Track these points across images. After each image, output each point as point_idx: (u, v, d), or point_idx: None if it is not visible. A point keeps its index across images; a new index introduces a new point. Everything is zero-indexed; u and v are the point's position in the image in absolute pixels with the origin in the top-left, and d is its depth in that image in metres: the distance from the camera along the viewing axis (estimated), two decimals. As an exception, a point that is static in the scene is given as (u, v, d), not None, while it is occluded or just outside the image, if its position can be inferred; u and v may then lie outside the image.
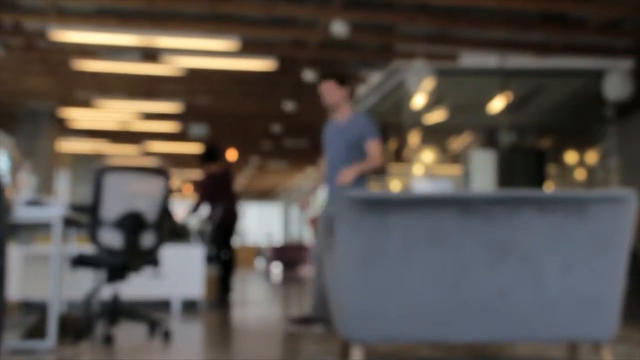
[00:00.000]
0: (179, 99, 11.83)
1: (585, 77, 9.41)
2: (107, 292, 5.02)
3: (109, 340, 4.19)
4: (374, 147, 4.92)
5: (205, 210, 7.81)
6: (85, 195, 16.09)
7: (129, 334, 4.78)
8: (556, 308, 2.82)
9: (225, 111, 12.87)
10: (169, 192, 4.60)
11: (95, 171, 4.33)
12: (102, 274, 4.52)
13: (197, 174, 22.42)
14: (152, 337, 4.59)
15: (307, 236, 23.17)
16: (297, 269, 19.23)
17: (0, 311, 2.07)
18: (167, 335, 4.47)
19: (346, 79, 5.08)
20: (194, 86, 11.06)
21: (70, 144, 15.62)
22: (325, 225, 4.88)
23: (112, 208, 4.32)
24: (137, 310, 4.82)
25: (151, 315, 4.71)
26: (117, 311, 4.51)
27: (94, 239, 4.32)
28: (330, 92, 5.04)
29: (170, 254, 6.65)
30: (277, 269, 19.30)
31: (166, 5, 7.45)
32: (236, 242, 7.94)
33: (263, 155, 18.37)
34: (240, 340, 4.55)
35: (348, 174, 4.80)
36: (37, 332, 4.15)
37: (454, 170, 11.91)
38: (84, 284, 6.01)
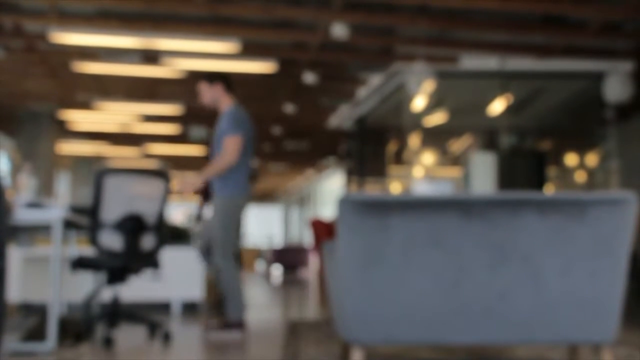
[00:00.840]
0: (179, 101, 11.84)
1: (585, 79, 9.42)
2: (106, 294, 5.01)
3: (108, 342, 4.19)
4: (227, 143, 4.77)
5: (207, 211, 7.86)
6: (85, 197, 16.10)
7: (128, 336, 4.78)
8: (556, 310, 2.82)
9: (225, 113, 12.87)
10: (168, 194, 4.61)
11: (95, 173, 4.35)
12: (102, 276, 4.52)
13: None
14: (152, 339, 4.59)
15: (307, 238, 23.17)
16: (297, 271, 19.23)
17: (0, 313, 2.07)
18: (167, 337, 4.47)
19: (215, 76, 5.03)
20: (193, 88, 11.06)
21: (71, 145, 15.63)
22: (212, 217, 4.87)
23: (113, 210, 4.33)
24: (136, 312, 4.82)
25: (151, 317, 4.71)
26: (117, 313, 4.51)
27: (94, 240, 4.32)
28: (202, 92, 5.05)
29: (170, 256, 6.65)
30: (277, 271, 19.30)
31: (166, 8, 7.46)
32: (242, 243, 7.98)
33: (263, 157, 18.38)
34: (240, 343, 4.54)
35: (188, 183, 4.74)
36: (36, 334, 4.14)
37: (454, 172, 11.91)
38: (83, 286, 6.01)
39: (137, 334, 4.88)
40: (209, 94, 5.01)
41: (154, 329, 4.58)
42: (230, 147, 4.74)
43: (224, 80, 5.03)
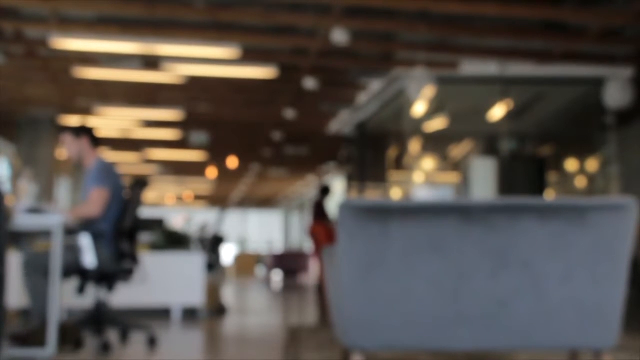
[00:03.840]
0: (179, 107, 11.84)
1: (585, 85, 9.41)
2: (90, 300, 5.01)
3: (106, 347, 4.20)
4: (91, 195, 4.62)
5: None
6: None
7: (129, 342, 4.77)
8: (556, 316, 2.82)
9: (225, 119, 12.89)
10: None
11: (134, 182, 4.68)
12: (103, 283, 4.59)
13: (197, 182, 22.45)
14: (123, 343, 4.65)
15: (308, 244, 23.17)
16: (297, 277, 19.21)
17: (-1, 319, 2.07)
18: (152, 342, 4.50)
19: (82, 129, 4.84)
20: (194, 94, 11.07)
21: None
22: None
23: (129, 217, 4.69)
24: (120, 317, 4.86)
25: (129, 321, 4.78)
26: (102, 319, 4.56)
27: (117, 248, 4.56)
28: (67, 145, 4.83)
29: (170, 261, 6.64)
30: (277, 276, 19.28)
31: (167, 13, 7.47)
32: None
33: (263, 163, 18.38)
34: (240, 348, 4.54)
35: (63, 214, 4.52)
36: (36, 339, 4.14)
37: (454, 177, 11.90)
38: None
39: (135, 340, 4.87)
40: (74, 148, 4.81)
41: (125, 333, 4.70)
42: (93, 199, 4.59)
43: (90, 135, 4.86)
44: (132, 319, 5.24)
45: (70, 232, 4.48)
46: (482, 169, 10.11)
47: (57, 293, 4.09)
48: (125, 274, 4.60)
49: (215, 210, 26.15)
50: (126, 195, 4.72)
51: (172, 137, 14.34)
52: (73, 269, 4.43)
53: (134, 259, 4.66)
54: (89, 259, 4.40)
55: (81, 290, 4.52)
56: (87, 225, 4.57)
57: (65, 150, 4.88)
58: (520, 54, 8.69)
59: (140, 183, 4.75)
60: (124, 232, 4.62)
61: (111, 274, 4.54)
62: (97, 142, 4.89)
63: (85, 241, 4.42)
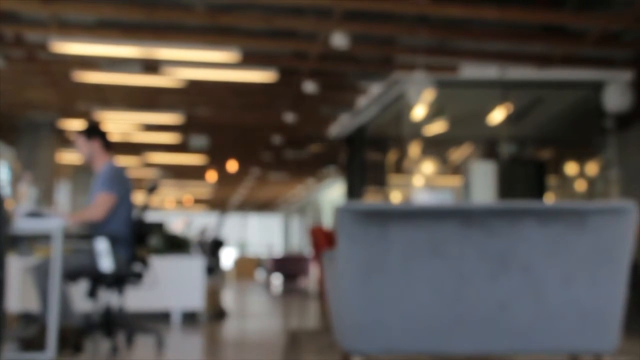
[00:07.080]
0: (179, 110, 11.85)
1: (584, 89, 9.42)
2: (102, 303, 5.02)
3: (114, 350, 4.22)
4: (98, 199, 4.57)
5: None
6: (85, 206, 16.09)
7: (136, 345, 4.77)
8: (556, 320, 2.81)
9: (225, 122, 12.89)
10: None
11: (151, 184, 4.77)
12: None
13: (197, 185, 22.46)
14: (130, 346, 4.63)
15: (308, 247, 23.15)
16: (297, 280, 19.19)
17: (-1, 323, 2.07)
18: (160, 345, 4.51)
19: (94, 131, 4.78)
20: (194, 97, 11.08)
21: (71, 155, 15.63)
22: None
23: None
24: (130, 320, 4.84)
25: (138, 324, 4.79)
26: (113, 322, 4.55)
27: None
28: (79, 145, 4.79)
29: (169, 265, 6.64)
30: (277, 280, 19.27)
31: (167, 17, 7.47)
32: None
33: (263, 166, 18.38)
34: (240, 352, 4.54)
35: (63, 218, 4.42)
36: (36, 343, 4.14)
37: (454, 181, 11.91)
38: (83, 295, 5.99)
39: (142, 343, 4.87)
40: (85, 149, 4.77)
41: (132, 336, 4.70)
42: (99, 204, 4.55)
43: (102, 137, 4.81)
44: (141, 322, 5.27)
45: (86, 236, 4.49)
46: (482, 173, 10.11)
47: (57, 297, 4.08)
48: (136, 278, 4.60)
49: (215, 214, 26.15)
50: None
51: (172, 141, 14.35)
52: (89, 273, 4.43)
53: (144, 262, 4.68)
54: (106, 263, 4.38)
55: (92, 294, 4.52)
56: (100, 228, 4.53)
57: (77, 151, 4.85)
58: (519, 58, 8.70)
59: (150, 188, 4.76)
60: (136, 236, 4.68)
61: (124, 277, 4.54)
62: (109, 145, 4.85)
63: (102, 245, 4.39)
